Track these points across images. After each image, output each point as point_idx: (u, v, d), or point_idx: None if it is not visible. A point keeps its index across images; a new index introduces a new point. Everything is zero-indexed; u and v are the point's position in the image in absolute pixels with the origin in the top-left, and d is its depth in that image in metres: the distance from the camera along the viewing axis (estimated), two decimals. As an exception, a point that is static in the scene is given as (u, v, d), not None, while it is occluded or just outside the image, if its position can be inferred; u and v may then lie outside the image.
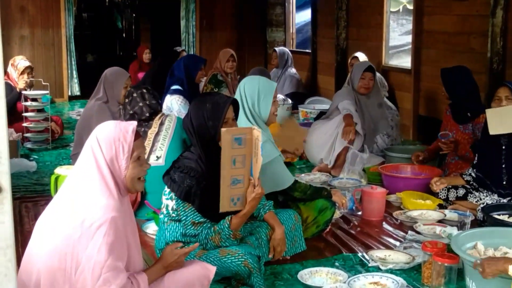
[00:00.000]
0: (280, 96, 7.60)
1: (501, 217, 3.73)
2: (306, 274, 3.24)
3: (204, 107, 3.11)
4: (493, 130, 4.10)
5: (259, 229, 3.38)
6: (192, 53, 10.55)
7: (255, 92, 3.69)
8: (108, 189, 2.36)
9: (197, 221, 3.06)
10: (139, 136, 2.47)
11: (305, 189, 3.80)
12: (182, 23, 10.87)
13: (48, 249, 2.31)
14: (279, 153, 3.76)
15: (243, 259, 3.00)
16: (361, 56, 7.29)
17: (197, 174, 3.04)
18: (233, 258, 3.00)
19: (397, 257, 3.49)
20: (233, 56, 7.11)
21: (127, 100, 4.32)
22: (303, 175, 5.28)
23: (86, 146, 2.42)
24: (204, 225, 3.07)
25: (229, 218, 3.04)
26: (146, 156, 4.10)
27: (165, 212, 3.15)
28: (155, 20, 13.36)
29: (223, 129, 2.90)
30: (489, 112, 4.13)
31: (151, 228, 3.93)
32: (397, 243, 3.82)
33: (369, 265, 3.45)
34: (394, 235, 3.99)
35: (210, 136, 3.10)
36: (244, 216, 3.04)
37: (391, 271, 3.34)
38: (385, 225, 4.19)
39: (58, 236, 2.30)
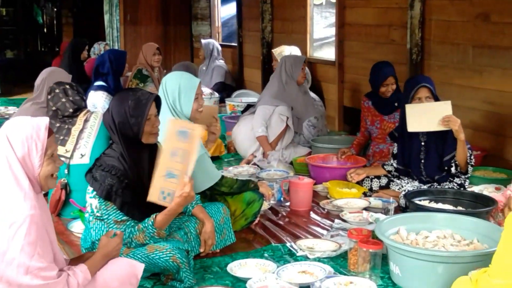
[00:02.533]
0: (207, 90, 7.60)
1: (422, 203, 3.86)
2: (236, 266, 3.26)
3: (126, 104, 3.05)
4: (411, 127, 4.17)
5: (188, 224, 3.38)
6: (117, 48, 10.38)
7: (176, 88, 3.67)
8: (23, 188, 2.30)
9: (119, 220, 3.02)
10: (52, 132, 2.42)
11: (232, 184, 3.82)
12: (106, 17, 10.67)
13: None
14: (204, 150, 3.75)
15: (171, 254, 2.98)
16: (288, 49, 7.34)
17: (118, 173, 3.00)
18: (161, 254, 2.98)
19: (325, 246, 3.56)
20: (158, 49, 7.06)
21: (49, 97, 4.20)
22: (231, 168, 5.29)
23: None
24: (128, 223, 3.03)
25: (154, 216, 3.02)
26: (70, 154, 4.04)
27: (89, 210, 3.10)
28: (77, 15, 13.07)
29: (171, 118, 2.87)
30: (409, 108, 4.17)
31: (77, 227, 3.85)
32: (325, 232, 3.89)
33: (298, 254, 3.50)
34: (322, 224, 4.06)
35: (132, 133, 3.06)
36: (169, 214, 3.01)
37: (318, 259, 3.40)
38: (313, 215, 4.26)
39: None
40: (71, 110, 4.14)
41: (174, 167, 2.94)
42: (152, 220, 3.01)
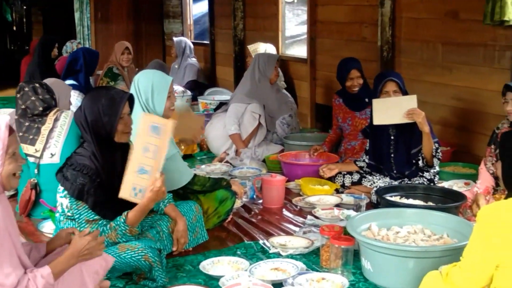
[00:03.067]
0: (179, 88, 7.59)
1: (393, 199, 3.90)
2: (208, 264, 3.25)
3: (100, 102, 3.03)
4: (377, 120, 4.26)
5: (160, 222, 3.37)
6: (87, 46, 10.28)
7: (149, 87, 3.63)
8: None
9: (91, 219, 2.99)
10: (13, 131, 2.37)
11: (204, 182, 3.82)
12: (77, 15, 10.56)
13: None
14: (177, 150, 3.73)
15: (143, 254, 2.97)
16: (263, 46, 7.36)
17: (90, 172, 2.97)
18: (132, 253, 2.97)
19: (297, 242, 3.57)
20: (128, 49, 7.02)
21: (18, 95, 4.14)
22: (203, 166, 5.29)
23: None
24: (99, 222, 3.01)
25: (126, 213, 3.00)
26: (39, 153, 3.99)
27: (60, 210, 3.06)
28: (47, 12, 12.91)
29: (144, 113, 2.86)
30: (375, 103, 4.28)
31: (48, 227, 3.81)
32: (297, 229, 3.90)
33: (270, 251, 3.51)
34: (294, 221, 4.07)
35: (105, 132, 3.03)
36: (140, 210, 2.99)
37: (291, 256, 3.41)
38: (285, 212, 4.27)
39: None
40: (40, 109, 4.08)
41: (146, 163, 2.94)
42: (124, 218, 2.99)
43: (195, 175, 3.80)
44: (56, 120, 4.11)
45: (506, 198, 2.29)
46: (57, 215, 3.12)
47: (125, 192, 2.93)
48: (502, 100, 3.86)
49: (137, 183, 2.93)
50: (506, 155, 2.33)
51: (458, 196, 3.84)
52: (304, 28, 7.43)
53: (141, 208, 2.99)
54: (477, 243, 2.27)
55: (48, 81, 4.66)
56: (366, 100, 5.07)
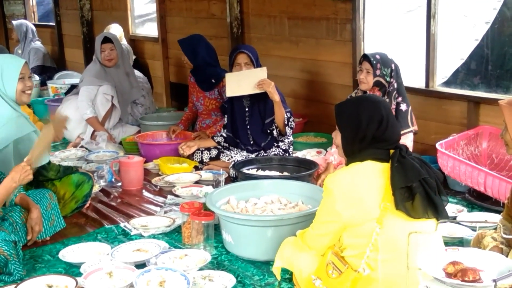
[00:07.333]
0: (26, 73, 7.23)
1: (250, 171, 4.01)
2: (68, 252, 3.17)
3: None
4: (230, 92, 4.38)
5: (12, 214, 3.22)
6: None
7: None
8: None
9: None
10: None
11: (58, 168, 3.72)
12: None
13: None
14: (33, 129, 3.57)
15: (-3, 248, 2.84)
16: (114, 27, 7.17)
17: None
18: (-15, 248, 2.82)
19: (158, 222, 3.57)
20: None
21: None
22: (57, 152, 5.11)
23: None
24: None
25: None
26: None
27: None
28: None
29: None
30: (228, 76, 4.40)
31: None
32: (158, 209, 3.90)
33: (132, 233, 3.48)
34: (155, 202, 4.07)
35: None
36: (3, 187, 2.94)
37: (153, 236, 3.41)
38: (145, 193, 4.25)
39: None
40: None
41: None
42: None
43: (49, 161, 3.68)
44: None
45: (346, 165, 2.43)
46: None
47: None
48: (357, 68, 4.04)
49: None
50: (342, 125, 2.46)
51: (310, 165, 4.03)
52: (153, 7, 7.34)
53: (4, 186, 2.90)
54: (324, 208, 2.41)
55: None
56: (213, 80, 5.11)
